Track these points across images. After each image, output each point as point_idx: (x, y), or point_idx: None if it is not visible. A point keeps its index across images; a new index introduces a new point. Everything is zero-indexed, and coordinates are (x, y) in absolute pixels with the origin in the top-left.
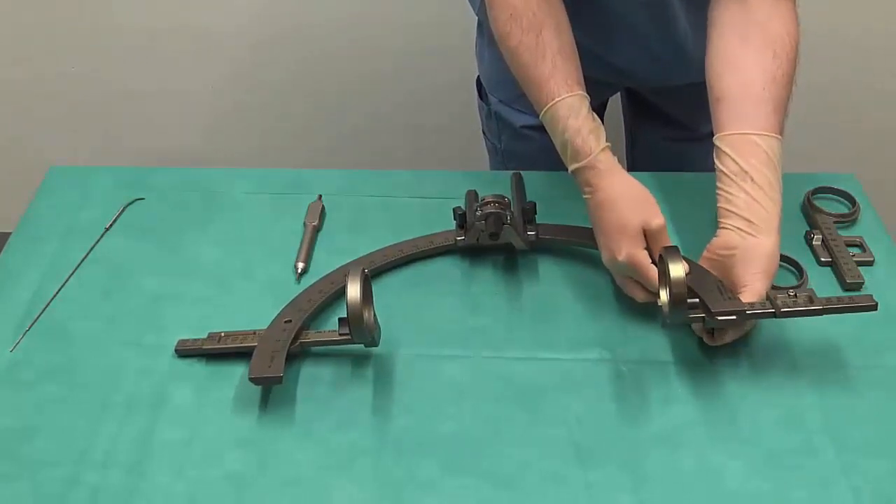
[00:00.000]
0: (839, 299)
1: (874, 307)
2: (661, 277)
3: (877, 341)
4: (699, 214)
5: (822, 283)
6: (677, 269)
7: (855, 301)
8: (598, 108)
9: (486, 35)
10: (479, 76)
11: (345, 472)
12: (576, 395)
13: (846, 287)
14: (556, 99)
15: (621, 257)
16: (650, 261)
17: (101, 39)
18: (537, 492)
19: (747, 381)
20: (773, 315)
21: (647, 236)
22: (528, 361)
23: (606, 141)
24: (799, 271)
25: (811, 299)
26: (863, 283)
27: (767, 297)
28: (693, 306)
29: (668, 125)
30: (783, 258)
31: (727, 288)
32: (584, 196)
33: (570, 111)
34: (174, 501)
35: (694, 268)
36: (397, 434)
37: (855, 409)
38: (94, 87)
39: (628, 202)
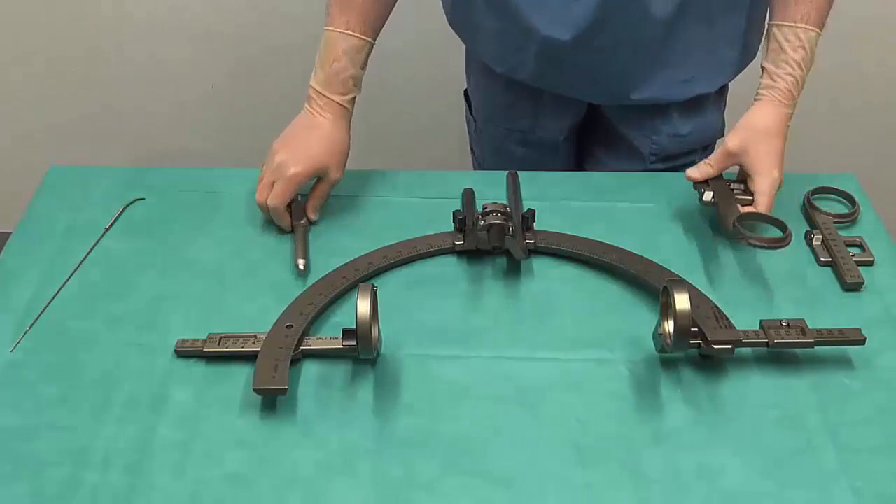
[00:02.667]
0: (829, 332)
1: (862, 342)
2: (666, 308)
3: (877, 341)
4: (695, 214)
5: (823, 284)
6: (683, 302)
7: (845, 334)
8: (565, 141)
9: (469, 58)
10: (466, 90)
11: (345, 472)
12: (576, 395)
13: (846, 287)
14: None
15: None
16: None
17: (101, 39)
18: (537, 492)
19: (747, 381)
20: (766, 346)
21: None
22: (528, 361)
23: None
24: (782, 228)
25: (803, 331)
26: (863, 283)
27: (761, 327)
28: (693, 336)
29: (621, 155)
30: (770, 219)
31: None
32: (305, 111)
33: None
34: (174, 501)
35: (692, 294)
36: (397, 434)
37: (855, 409)
38: (95, 87)
39: (320, 143)
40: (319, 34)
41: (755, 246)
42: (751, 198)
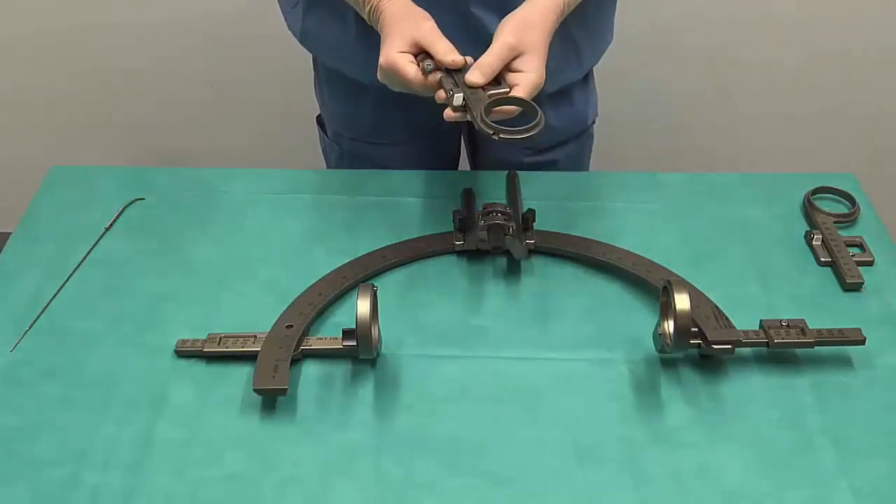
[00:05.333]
0: (829, 332)
1: (862, 342)
2: (666, 308)
3: (876, 341)
4: (695, 214)
5: (823, 284)
6: (683, 301)
7: (845, 334)
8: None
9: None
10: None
11: (345, 472)
12: (576, 395)
13: (846, 287)
14: None
15: (382, 61)
16: (409, 60)
17: (101, 39)
18: (537, 492)
19: (747, 381)
20: (766, 346)
21: (423, 43)
22: (527, 361)
23: None
24: (534, 113)
25: (803, 331)
26: (863, 283)
27: (761, 327)
28: (693, 336)
29: (499, 150)
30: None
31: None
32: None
33: None
34: (174, 501)
35: (692, 294)
36: (397, 434)
37: (855, 409)
38: (94, 86)
39: (400, 15)
40: None
41: (507, 141)
42: (506, 90)
